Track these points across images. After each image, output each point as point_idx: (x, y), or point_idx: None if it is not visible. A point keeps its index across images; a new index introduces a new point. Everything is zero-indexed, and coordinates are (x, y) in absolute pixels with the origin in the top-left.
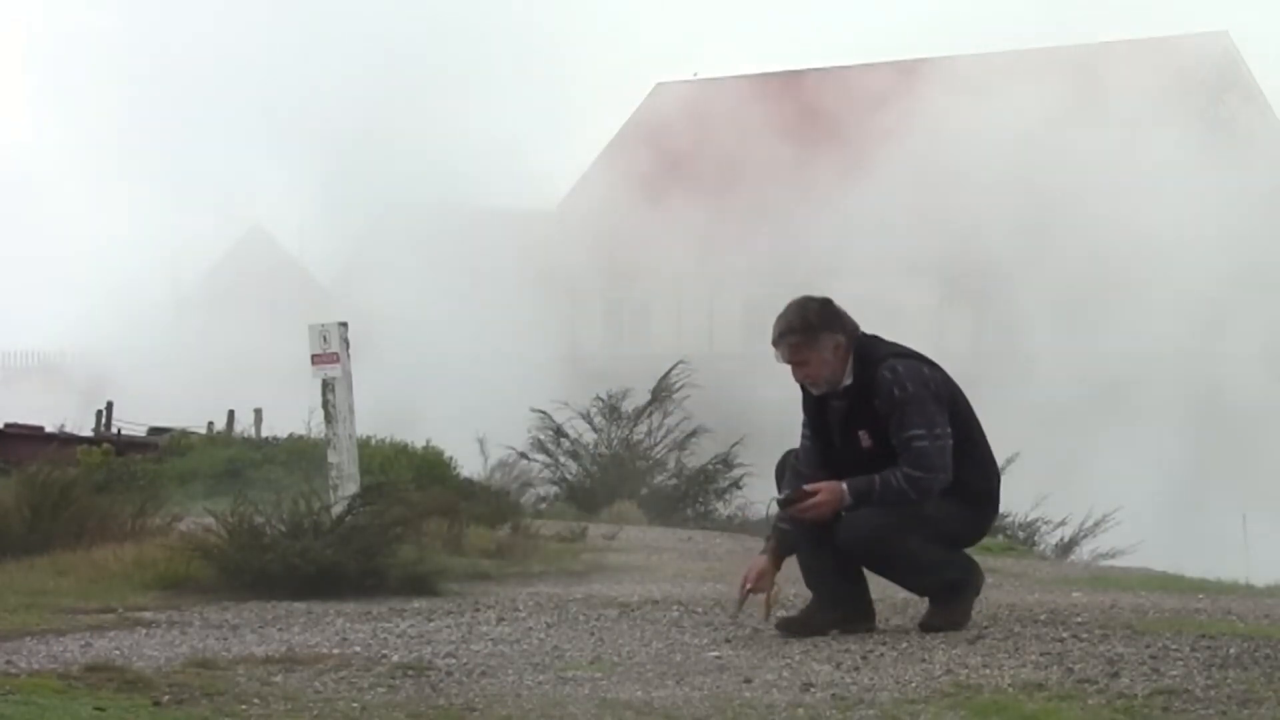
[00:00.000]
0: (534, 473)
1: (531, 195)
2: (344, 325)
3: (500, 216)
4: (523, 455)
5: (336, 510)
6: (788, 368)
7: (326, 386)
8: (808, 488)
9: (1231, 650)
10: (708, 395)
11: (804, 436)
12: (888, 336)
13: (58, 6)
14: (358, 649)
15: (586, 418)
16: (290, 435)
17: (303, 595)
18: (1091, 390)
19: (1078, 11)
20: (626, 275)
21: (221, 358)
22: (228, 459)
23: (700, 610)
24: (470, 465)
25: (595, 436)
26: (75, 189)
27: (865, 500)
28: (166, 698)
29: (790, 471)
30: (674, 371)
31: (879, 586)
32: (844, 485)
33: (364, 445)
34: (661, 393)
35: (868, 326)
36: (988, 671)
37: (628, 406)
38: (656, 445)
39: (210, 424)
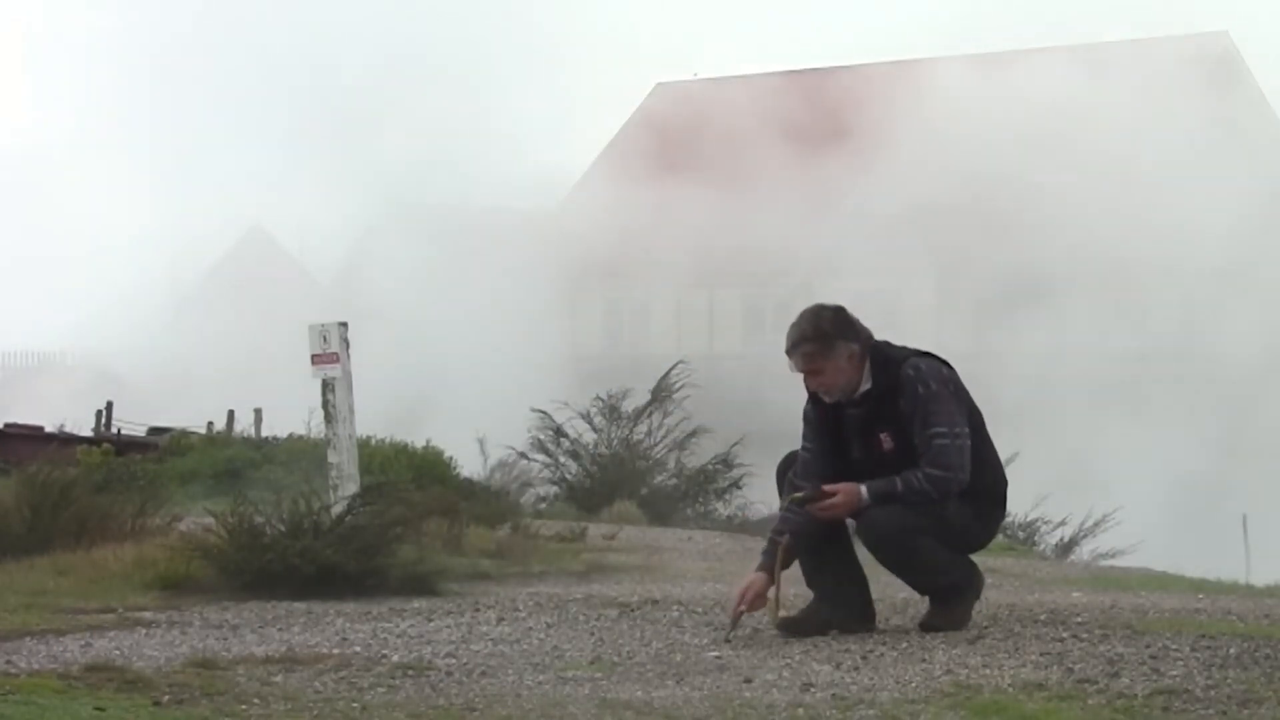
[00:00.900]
0: (534, 473)
1: (533, 194)
2: (344, 325)
3: (501, 216)
4: (523, 455)
5: (336, 510)
6: (795, 374)
7: (326, 386)
8: (826, 488)
9: (1231, 650)
10: (707, 395)
11: (804, 449)
12: (894, 339)
13: (58, 6)
14: (358, 649)
15: (586, 418)
16: (290, 435)
17: (303, 595)
18: (1094, 388)
19: (1078, 10)
20: (627, 275)
21: (221, 358)
22: (227, 459)
23: (700, 610)
24: (470, 465)
25: (595, 436)
26: (75, 190)
27: (886, 501)
28: (166, 697)
29: (787, 485)
30: (674, 371)
31: (879, 586)
32: (862, 487)
33: (364, 445)
34: (661, 393)
35: (871, 325)
36: (988, 671)
37: (628, 407)
38: (656, 445)
39: (210, 424)
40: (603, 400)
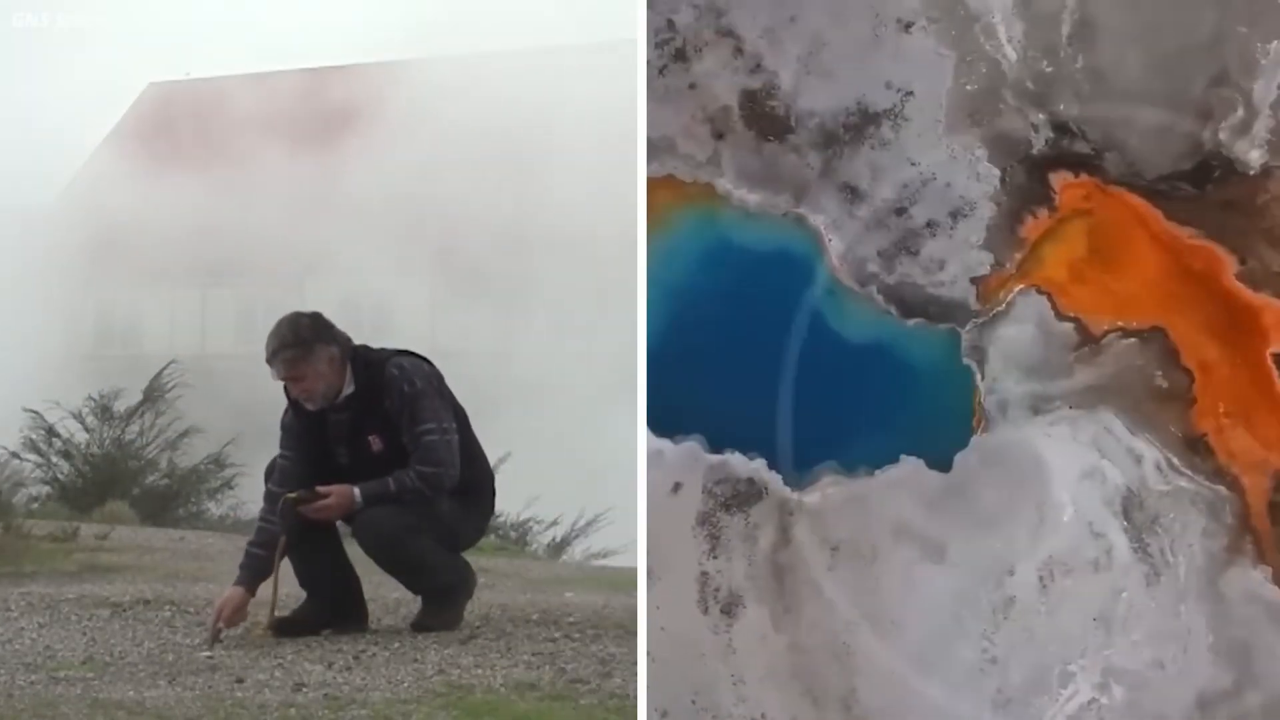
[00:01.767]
0: (26, 473)
1: (24, 191)
2: None
3: None
4: (14, 455)
5: None
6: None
7: None
8: (320, 489)
9: None
10: (200, 395)
11: (283, 458)
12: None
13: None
14: None
15: (79, 417)
16: None
17: None
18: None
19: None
20: (119, 275)
21: None
22: None
23: (192, 610)
24: None
25: (87, 436)
26: None
27: (379, 502)
28: None
29: (265, 494)
30: (166, 371)
31: (370, 587)
32: (355, 489)
33: None
34: (153, 392)
35: (366, 326)
36: (480, 671)
37: (120, 407)
38: (149, 445)
39: None
40: (95, 400)
